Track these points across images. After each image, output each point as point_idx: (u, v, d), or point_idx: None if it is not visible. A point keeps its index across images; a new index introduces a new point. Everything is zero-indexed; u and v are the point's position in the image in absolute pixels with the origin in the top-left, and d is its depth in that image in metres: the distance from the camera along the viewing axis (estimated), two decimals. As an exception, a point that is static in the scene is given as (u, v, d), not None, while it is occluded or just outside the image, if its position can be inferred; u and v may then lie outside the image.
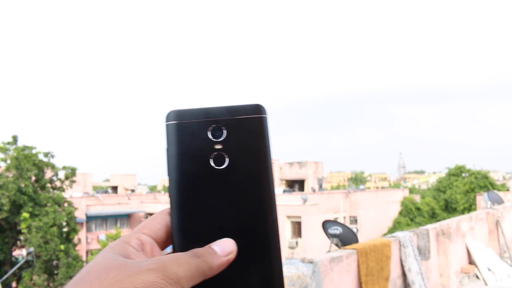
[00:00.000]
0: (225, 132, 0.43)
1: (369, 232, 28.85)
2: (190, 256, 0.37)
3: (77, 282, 0.34)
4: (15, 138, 19.75)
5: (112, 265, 0.35)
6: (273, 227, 0.41)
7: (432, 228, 6.97)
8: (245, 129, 0.43)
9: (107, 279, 0.33)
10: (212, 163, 0.42)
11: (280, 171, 37.09)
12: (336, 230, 7.54)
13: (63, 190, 20.96)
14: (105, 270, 0.34)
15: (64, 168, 20.75)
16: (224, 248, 0.38)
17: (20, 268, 16.54)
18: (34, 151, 19.78)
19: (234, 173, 0.42)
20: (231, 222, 0.40)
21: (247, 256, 0.39)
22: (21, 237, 19.30)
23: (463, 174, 35.87)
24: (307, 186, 35.52)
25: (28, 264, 17.03)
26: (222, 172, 0.42)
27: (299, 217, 25.30)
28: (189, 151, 0.42)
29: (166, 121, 0.43)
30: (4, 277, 13.27)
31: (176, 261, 0.35)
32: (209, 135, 0.42)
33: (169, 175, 0.42)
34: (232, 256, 0.38)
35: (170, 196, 0.42)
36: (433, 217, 33.98)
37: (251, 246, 0.40)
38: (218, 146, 0.42)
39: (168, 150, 0.43)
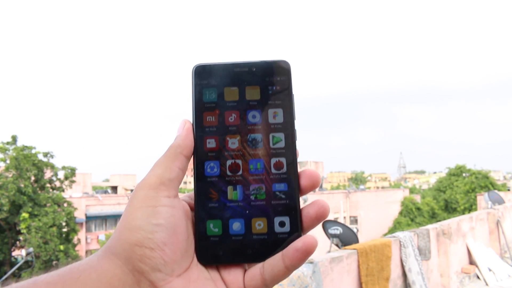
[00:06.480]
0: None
1: (369, 232, 28.86)
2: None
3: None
4: (14, 138, 19.69)
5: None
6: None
7: (432, 228, 6.94)
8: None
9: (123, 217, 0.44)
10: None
11: (280, 171, 37.03)
12: (336, 230, 7.51)
13: (63, 190, 20.91)
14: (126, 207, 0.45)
15: (63, 168, 20.70)
16: (178, 129, 0.47)
17: (20, 269, 16.50)
18: (33, 151, 19.72)
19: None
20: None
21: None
22: (21, 238, 19.25)
23: (464, 174, 35.79)
24: (307, 186, 35.49)
25: (27, 264, 17.01)
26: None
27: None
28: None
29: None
30: (4, 278, 13.25)
31: (152, 168, 0.45)
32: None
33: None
34: (187, 125, 0.47)
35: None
36: (433, 217, 33.95)
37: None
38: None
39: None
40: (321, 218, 0.45)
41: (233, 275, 0.44)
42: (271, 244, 0.44)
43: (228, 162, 0.46)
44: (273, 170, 0.45)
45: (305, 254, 0.42)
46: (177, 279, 0.41)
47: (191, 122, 0.48)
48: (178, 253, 0.42)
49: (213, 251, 0.44)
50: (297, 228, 0.44)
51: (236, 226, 0.45)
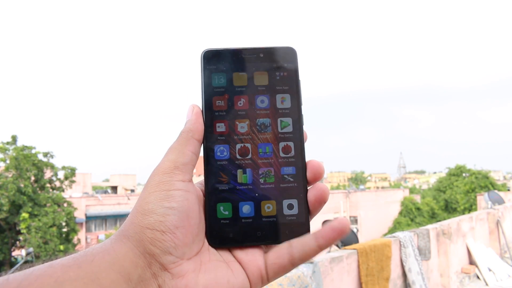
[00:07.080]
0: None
1: (369, 232, 28.85)
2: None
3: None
4: (14, 138, 19.67)
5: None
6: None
7: (432, 228, 6.94)
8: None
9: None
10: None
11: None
12: (336, 230, 7.51)
13: (63, 190, 20.87)
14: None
15: (63, 168, 20.67)
16: (187, 114, 0.48)
17: (20, 269, 16.49)
18: (33, 151, 19.69)
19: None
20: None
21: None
22: (21, 238, 19.24)
23: (464, 174, 35.74)
24: (307, 186, 35.45)
25: (27, 264, 16.97)
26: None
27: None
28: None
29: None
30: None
31: (165, 154, 0.45)
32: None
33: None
34: (196, 110, 0.47)
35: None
36: (433, 217, 33.91)
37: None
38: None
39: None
40: (322, 201, 0.46)
41: (251, 255, 0.45)
42: (280, 226, 0.46)
43: (238, 146, 0.47)
44: (282, 154, 0.47)
45: (340, 233, 0.43)
46: (187, 262, 0.42)
47: (199, 107, 0.48)
48: (190, 236, 0.42)
49: (223, 234, 0.45)
50: (305, 210, 0.46)
51: (246, 209, 0.46)
